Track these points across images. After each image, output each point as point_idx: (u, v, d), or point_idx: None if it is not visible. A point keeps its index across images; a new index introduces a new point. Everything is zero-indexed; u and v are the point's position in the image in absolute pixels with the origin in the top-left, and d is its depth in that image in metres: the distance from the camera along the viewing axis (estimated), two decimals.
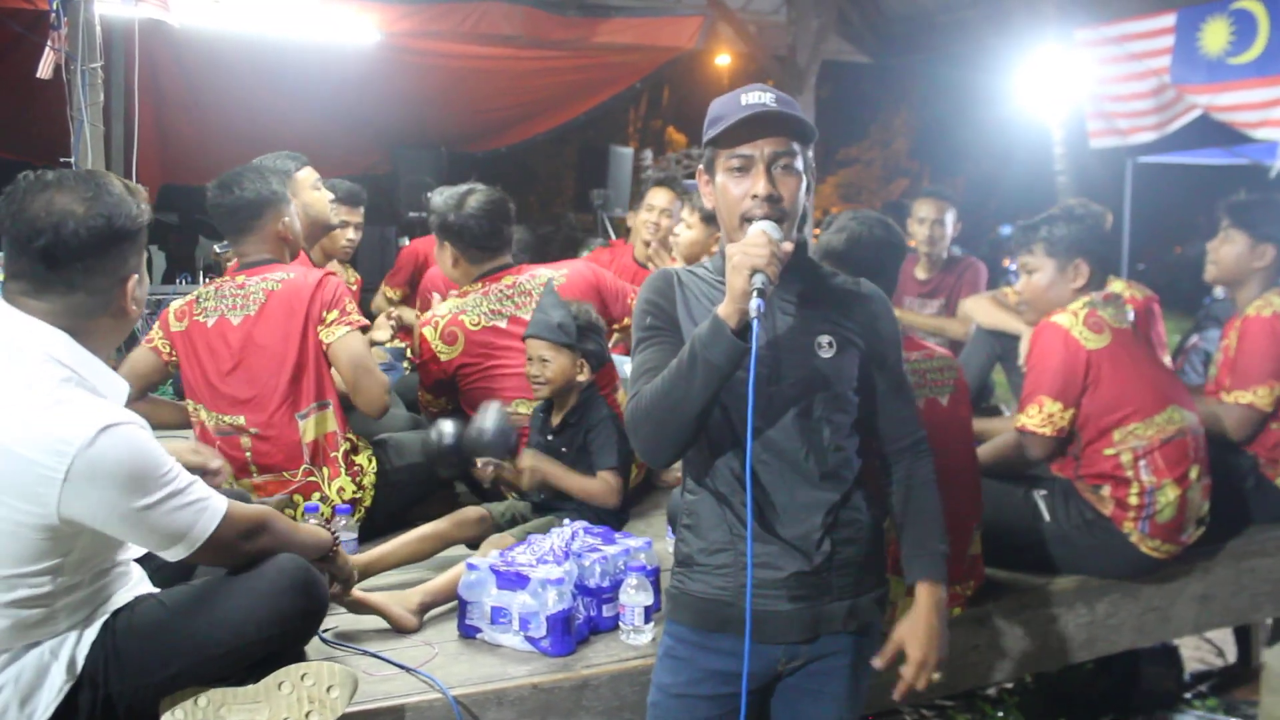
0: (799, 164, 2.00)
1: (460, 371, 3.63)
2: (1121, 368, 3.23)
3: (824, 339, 2.03)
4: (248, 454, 3.26)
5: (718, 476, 2.05)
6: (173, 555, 2.05)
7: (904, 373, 2.18)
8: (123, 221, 2.01)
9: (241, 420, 3.27)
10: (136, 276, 2.08)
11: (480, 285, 3.72)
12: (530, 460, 3.15)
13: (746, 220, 1.96)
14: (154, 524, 1.99)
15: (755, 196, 1.96)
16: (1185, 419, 3.28)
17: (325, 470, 3.29)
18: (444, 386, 3.71)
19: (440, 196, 3.75)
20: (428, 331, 3.66)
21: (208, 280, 3.52)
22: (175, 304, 3.46)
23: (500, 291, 3.69)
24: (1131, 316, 3.43)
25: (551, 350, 3.22)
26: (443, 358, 3.63)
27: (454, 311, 3.65)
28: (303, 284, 3.32)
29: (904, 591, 2.79)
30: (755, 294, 1.81)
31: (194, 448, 2.73)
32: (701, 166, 2.10)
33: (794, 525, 2.02)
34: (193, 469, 2.41)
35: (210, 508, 2.07)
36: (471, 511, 3.17)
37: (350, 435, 3.39)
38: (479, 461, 3.17)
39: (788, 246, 1.91)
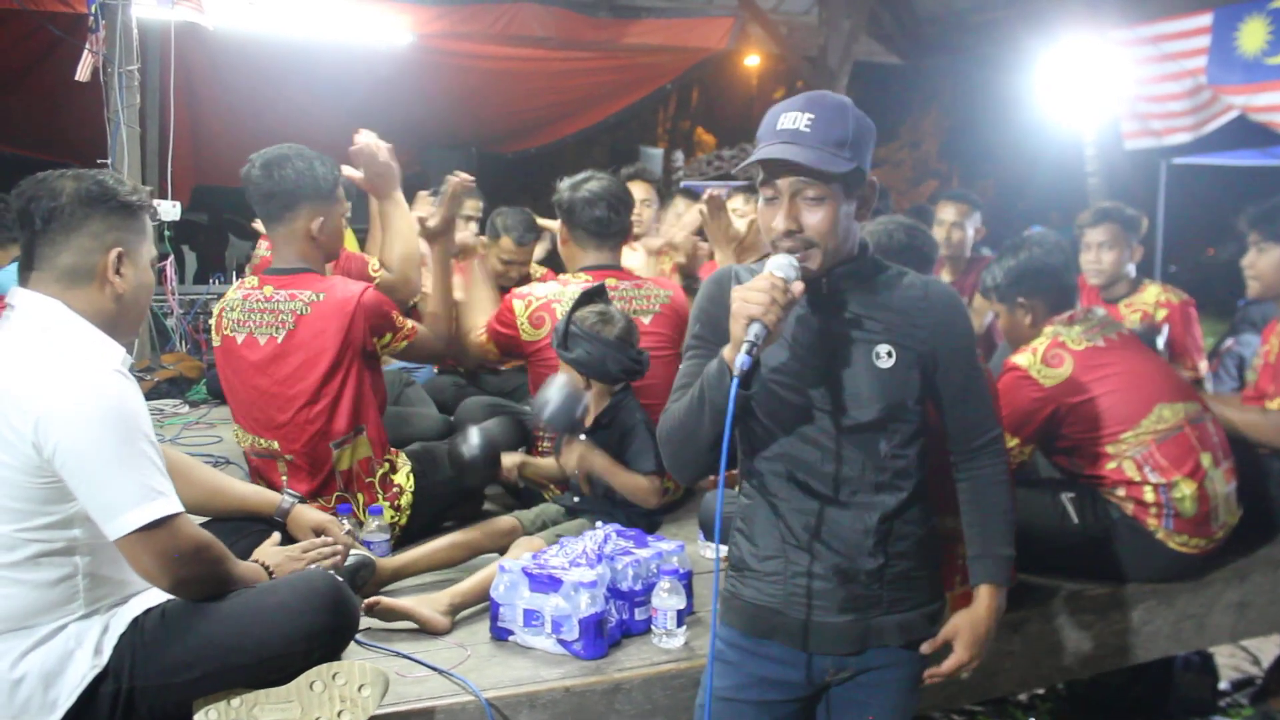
0: (834, 191, 1.94)
1: (537, 355, 3.60)
2: (1092, 388, 3.22)
3: (882, 348, 1.99)
4: (284, 478, 3.19)
5: (770, 483, 2.04)
6: (111, 530, 2.00)
7: (978, 373, 2.14)
8: (102, 191, 2.14)
9: (275, 445, 3.19)
10: (120, 250, 2.15)
11: (584, 277, 3.68)
12: (582, 447, 3.12)
13: (776, 248, 1.97)
14: (105, 475, 1.98)
15: (775, 228, 1.96)
16: (1178, 413, 3.24)
17: (361, 496, 3.22)
18: (512, 352, 3.69)
19: (566, 180, 3.79)
20: (517, 305, 3.62)
21: (240, 282, 3.41)
22: (215, 310, 3.38)
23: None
24: (1101, 319, 3.41)
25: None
26: (524, 337, 3.60)
27: (550, 297, 3.61)
28: (337, 311, 3.14)
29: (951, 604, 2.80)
30: (745, 347, 1.80)
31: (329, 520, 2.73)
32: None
33: (847, 538, 2.00)
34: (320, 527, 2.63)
35: (166, 499, 2.04)
36: (503, 521, 3.17)
37: (389, 456, 3.32)
38: (503, 464, 3.21)
39: (797, 288, 1.87)
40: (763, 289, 1.83)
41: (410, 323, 3.34)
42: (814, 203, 1.94)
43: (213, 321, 3.37)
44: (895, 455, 2.01)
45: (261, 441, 3.22)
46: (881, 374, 1.99)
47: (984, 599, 2.12)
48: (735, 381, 1.80)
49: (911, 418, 2.03)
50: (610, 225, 3.70)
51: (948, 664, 2.10)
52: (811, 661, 2.03)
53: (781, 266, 1.90)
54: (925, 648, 2.10)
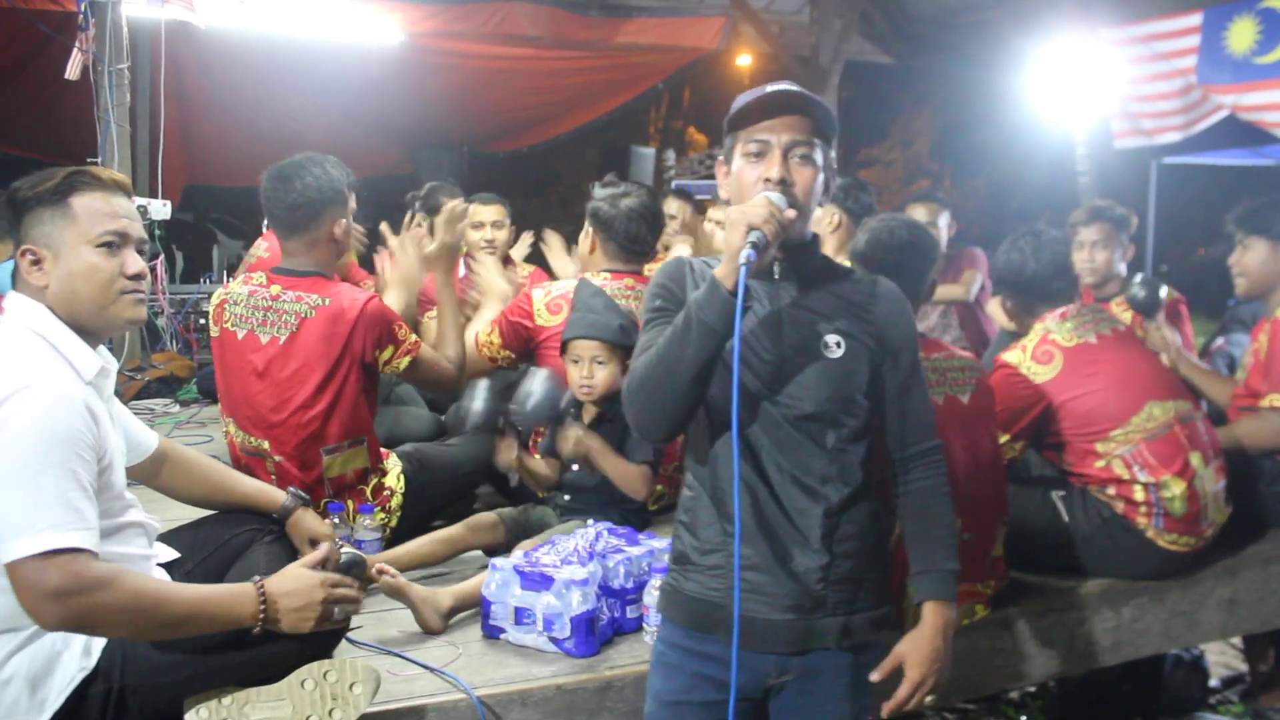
0: (817, 156, 1.96)
1: (547, 343, 3.59)
2: (1082, 384, 3.23)
3: (832, 339, 1.97)
4: (272, 477, 3.16)
5: (713, 474, 1.99)
6: (4, 554, 1.90)
7: (921, 376, 2.10)
8: (9, 195, 2.13)
9: (265, 445, 3.18)
10: (29, 248, 2.12)
11: (606, 276, 3.67)
12: (577, 431, 3.07)
13: None
14: (4, 494, 1.90)
15: (768, 180, 1.92)
16: (1168, 411, 3.25)
17: (350, 504, 3.20)
18: (516, 342, 3.67)
19: (603, 189, 3.77)
20: (536, 294, 3.63)
21: (245, 277, 3.39)
22: (213, 301, 3.36)
23: (622, 287, 3.64)
24: (1095, 315, 3.42)
25: (607, 352, 3.12)
26: (538, 321, 3.60)
27: (570, 290, 3.61)
28: (340, 318, 3.13)
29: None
30: (748, 245, 1.76)
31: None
32: (721, 157, 2.06)
33: (790, 531, 1.95)
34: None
35: (64, 533, 1.90)
36: (485, 517, 3.17)
37: (383, 464, 3.32)
38: (500, 452, 3.14)
39: (791, 214, 1.86)
40: (762, 203, 1.83)
41: (415, 337, 3.32)
42: (805, 161, 1.95)
43: (211, 311, 3.35)
44: (842, 449, 1.97)
45: (252, 440, 3.21)
46: (831, 364, 1.96)
47: (930, 617, 2.04)
48: (744, 269, 1.75)
49: (859, 412, 2.00)
50: (644, 245, 3.73)
51: (901, 691, 2.00)
52: (754, 661, 1.96)
53: (776, 196, 1.88)
54: (874, 676, 2.00)
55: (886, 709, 2.03)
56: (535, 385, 3.05)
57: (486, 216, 4.76)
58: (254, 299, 3.21)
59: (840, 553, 1.97)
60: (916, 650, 2.02)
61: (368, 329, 3.15)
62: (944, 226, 5.41)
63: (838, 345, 1.97)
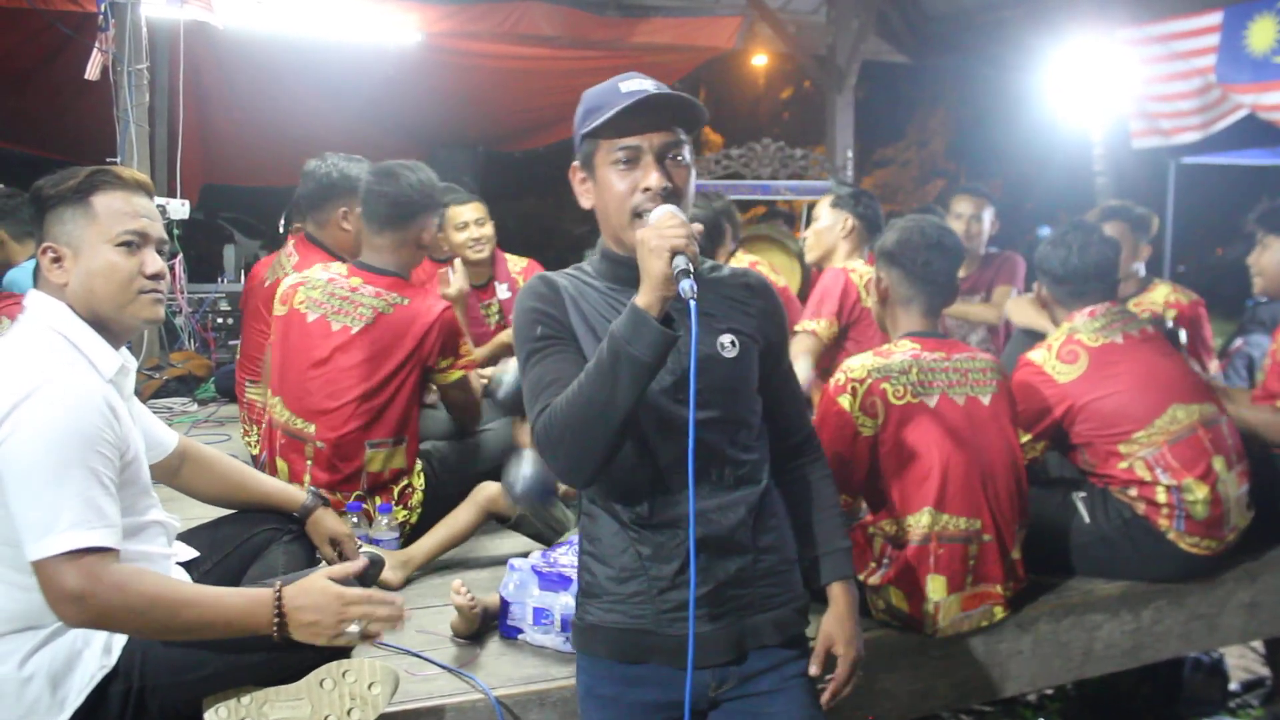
0: (687, 154, 1.89)
1: None
2: (1105, 385, 3.21)
3: (726, 339, 1.93)
4: (309, 462, 3.20)
5: (619, 496, 1.92)
6: (29, 551, 1.91)
7: (791, 366, 2.14)
8: (33, 192, 2.15)
9: (312, 429, 3.20)
10: (49, 245, 2.12)
11: None
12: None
13: (638, 215, 1.84)
14: (31, 494, 1.90)
15: (648, 190, 1.84)
16: (1192, 414, 3.22)
17: (378, 500, 3.22)
18: None
19: None
20: None
21: (324, 265, 3.45)
22: (285, 283, 3.40)
23: None
24: (1123, 316, 3.39)
25: None
26: None
27: None
28: (417, 319, 3.21)
29: (944, 591, 2.78)
30: (682, 275, 1.67)
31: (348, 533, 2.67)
32: (576, 163, 1.96)
33: (714, 535, 1.89)
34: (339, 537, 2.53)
35: (90, 531, 1.90)
36: (489, 486, 3.19)
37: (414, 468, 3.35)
38: (519, 434, 3.20)
39: (698, 227, 1.83)
40: (676, 223, 1.73)
41: (472, 356, 3.39)
42: (678, 164, 1.88)
43: (280, 291, 3.40)
44: (749, 448, 1.96)
45: (298, 421, 3.24)
46: (729, 364, 1.93)
47: (841, 596, 2.07)
48: (694, 304, 1.66)
49: (758, 408, 2.00)
50: None
51: (840, 673, 2.02)
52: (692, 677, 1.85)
53: (674, 210, 1.79)
54: (814, 670, 1.99)
55: (827, 696, 2.02)
56: (525, 469, 2.96)
57: (469, 215, 4.59)
58: (332, 286, 3.28)
59: (762, 547, 1.97)
60: (841, 630, 2.05)
61: (440, 335, 3.23)
62: (987, 222, 5.37)
63: (732, 345, 1.95)
